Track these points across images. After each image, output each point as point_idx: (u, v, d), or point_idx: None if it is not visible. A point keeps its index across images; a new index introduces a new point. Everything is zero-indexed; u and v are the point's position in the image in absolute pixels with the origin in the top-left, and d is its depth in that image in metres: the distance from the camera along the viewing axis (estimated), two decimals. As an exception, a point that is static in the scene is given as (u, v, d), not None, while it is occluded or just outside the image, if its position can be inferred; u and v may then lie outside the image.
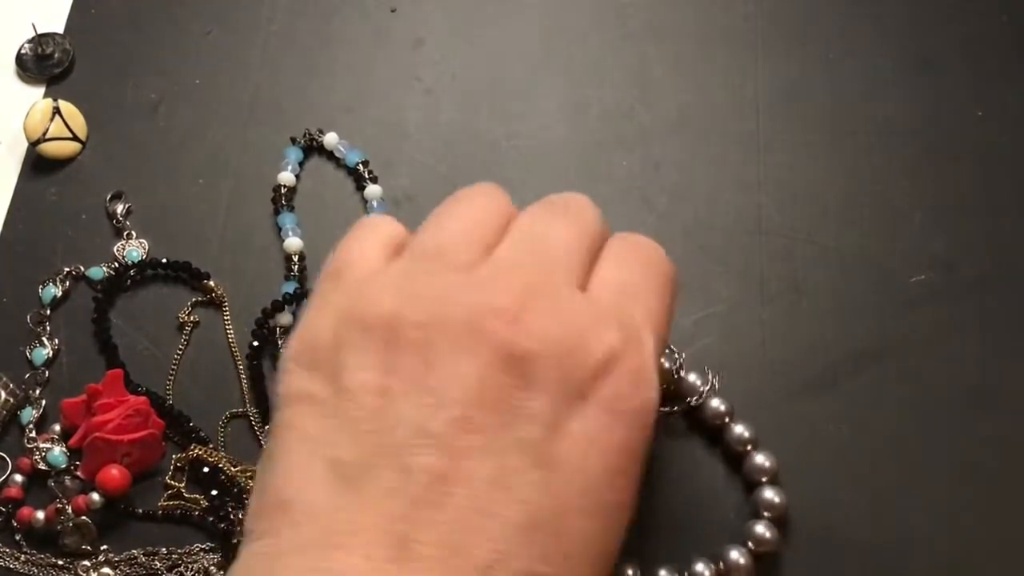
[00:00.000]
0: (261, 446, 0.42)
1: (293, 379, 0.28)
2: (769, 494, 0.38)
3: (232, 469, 0.41)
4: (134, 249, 0.46)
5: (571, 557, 0.24)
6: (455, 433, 0.24)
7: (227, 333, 0.44)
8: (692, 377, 0.40)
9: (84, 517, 0.39)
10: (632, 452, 0.26)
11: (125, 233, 0.46)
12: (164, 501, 0.41)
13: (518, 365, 0.25)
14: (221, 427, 0.42)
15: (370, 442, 0.25)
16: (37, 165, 0.48)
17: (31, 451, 0.41)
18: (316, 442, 0.26)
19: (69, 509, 0.40)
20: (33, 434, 0.41)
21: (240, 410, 0.42)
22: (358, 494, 0.24)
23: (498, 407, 0.25)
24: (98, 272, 0.45)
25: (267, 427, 0.42)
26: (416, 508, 0.24)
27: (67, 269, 0.45)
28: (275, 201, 0.47)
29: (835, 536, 0.38)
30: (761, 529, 0.37)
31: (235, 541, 0.39)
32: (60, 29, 0.52)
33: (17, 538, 0.40)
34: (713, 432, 0.40)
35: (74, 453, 0.41)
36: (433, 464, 0.24)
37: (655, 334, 0.28)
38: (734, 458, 0.39)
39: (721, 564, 0.36)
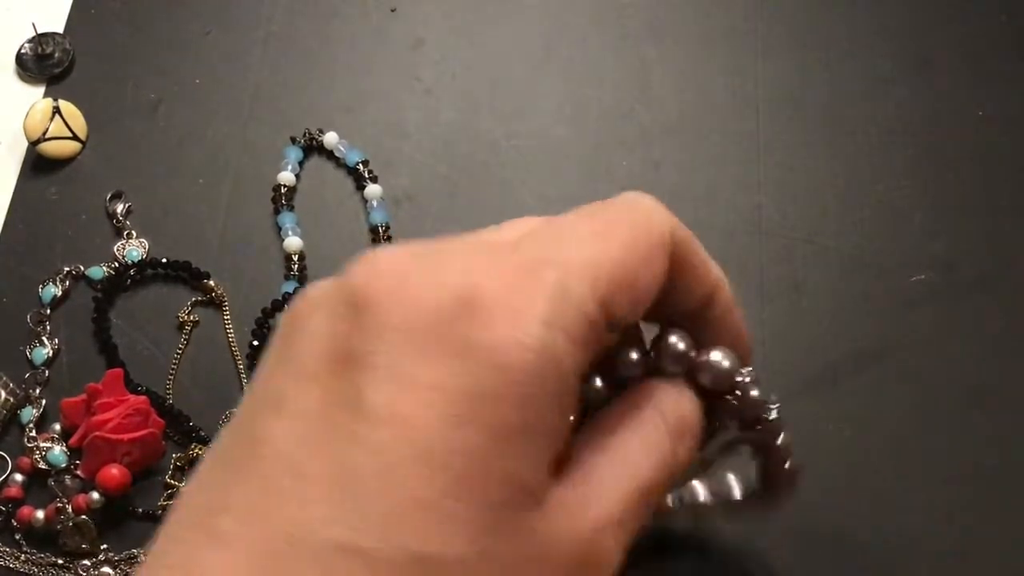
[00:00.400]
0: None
1: None
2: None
3: (232, 469, 0.41)
4: (134, 249, 0.46)
5: (402, 522, 0.20)
6: (296, 395, 0.22)
7: (227, 333, 0.44)
8: (755, 392, 0.28)
9: (84, 517, 0.39)
10: (483, 399, 0.21)
11: (125, 233, 0.46)
12: (164, 501, 0.41)
13: (359, 310, 0.22)
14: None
15: (241, 424, 0.23)
16: (37, 165, 0.48)
17: (31, 450, 0.41)
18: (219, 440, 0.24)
19: (69, 508, 0.40)
20: (33, 433, 0.41)
21: (240, 410, 0.42)
22: (217, 479, 0.22)
23: (342, 360, 0.22)
24: (98, 272, 0.45)
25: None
26: (238, 481, 0.21)
27: (67, 269, 0.45)
28: (275, 201, 0.47)
29: (835, 535, 0.38)
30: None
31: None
32: (60, 29, 0.52)
33: (17, 537, 0.40)
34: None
35: (74, 452, 0.41)
36: (268, 430, 0.22)
37: (569, 277, 0.23)
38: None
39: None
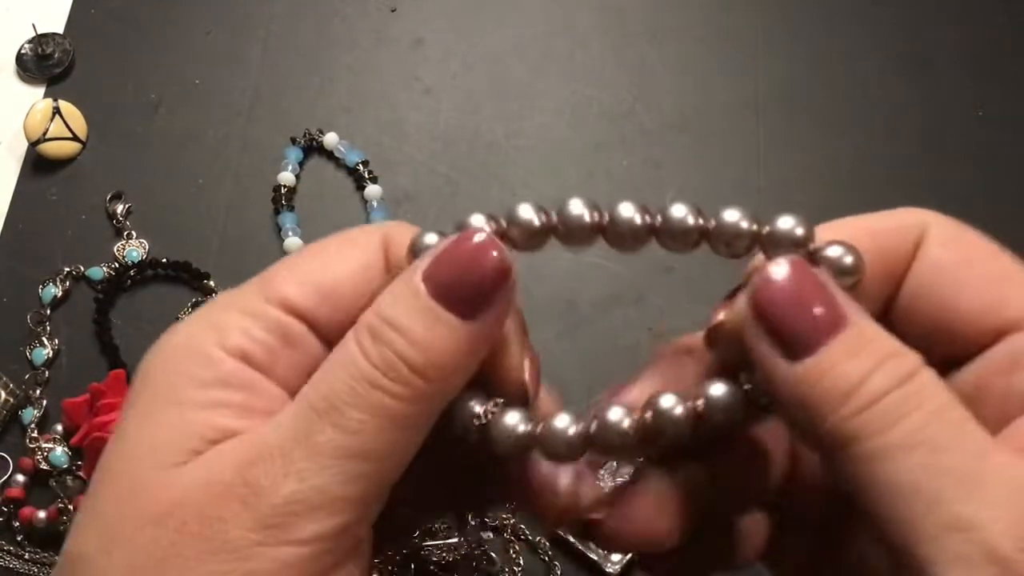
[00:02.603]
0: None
1: None
2: None
3: (233, 469, 0.41)
4: (134, 249, 0.46)
5: None
6: None
7: (227, 333, 0.44)
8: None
9: (85, 517, 0.39)
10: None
11: (125, 233, 0.46)
12: (165, 501, 0.41)
13: None
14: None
15: None
16: (37, 165, 0.48)
17: (33, 451, 0.41)
18: None
19: (71, 509, 0.40)
20: (35, 434, 0.41)
21: (241, 410, 0.42)
22: None
23: None
24: (98, 272, 0.45)
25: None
26: None
27: (67, 269, 0.45)
28: (275, 201, 0.47)
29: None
30: None
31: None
32: (60, 29, 0.52)
33: (19, 538, 0.40)
34: None
35: (76, 453, 0.41)
36: None
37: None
38: None
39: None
